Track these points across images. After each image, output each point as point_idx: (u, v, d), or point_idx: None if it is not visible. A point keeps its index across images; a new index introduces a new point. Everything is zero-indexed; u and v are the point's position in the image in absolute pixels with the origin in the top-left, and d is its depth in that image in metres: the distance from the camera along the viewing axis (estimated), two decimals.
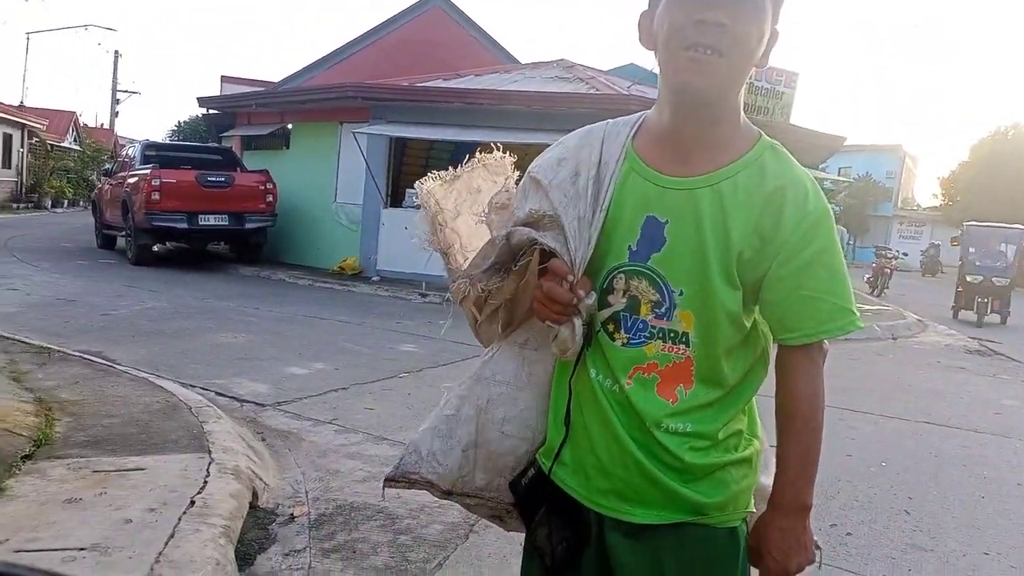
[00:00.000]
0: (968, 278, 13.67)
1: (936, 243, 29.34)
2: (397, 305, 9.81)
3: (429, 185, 1.40)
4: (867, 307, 13.67)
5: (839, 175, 26.89)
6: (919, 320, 12.31)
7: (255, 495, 3.17)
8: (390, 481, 1.37)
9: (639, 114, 1.23)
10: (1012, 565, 3.21)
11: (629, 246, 1.14)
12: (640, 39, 1.17)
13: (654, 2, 1.13)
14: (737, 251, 1.10)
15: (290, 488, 3.43)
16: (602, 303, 1.17)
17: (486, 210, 1.32)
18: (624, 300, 1.15)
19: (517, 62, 17.66)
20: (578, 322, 1.13)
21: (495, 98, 11.51)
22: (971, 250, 14.38)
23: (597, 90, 11.89)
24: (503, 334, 1.36)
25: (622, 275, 1.15)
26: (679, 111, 1.12)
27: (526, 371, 1.30)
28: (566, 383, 1.21)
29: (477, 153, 1.46)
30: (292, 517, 3.12)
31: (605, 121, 1.25)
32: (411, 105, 12.07)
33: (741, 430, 1.20)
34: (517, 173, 1.42)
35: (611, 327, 1.17)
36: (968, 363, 8.85)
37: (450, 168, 1.45)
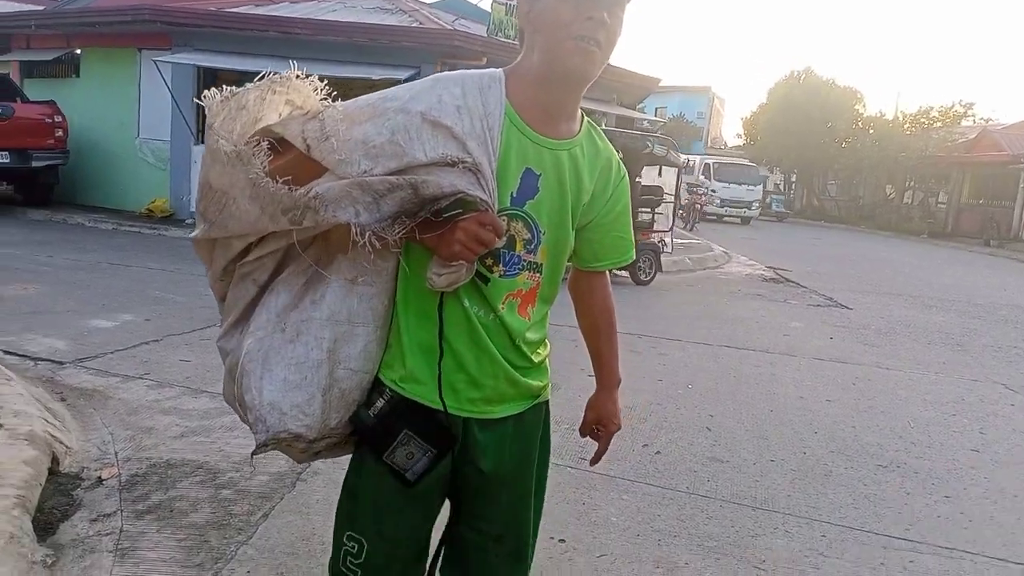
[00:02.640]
0: None
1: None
2: None
3: (209, 95, 1.32)
4: (679, 240, 14.66)
5: (655, 115, 28.22)
6: (725, 252, 13.38)
7: (55, 460, 2.92)
8: (262, 447, 1.35)
9: (497, 71, 1.35)
10: (792, 469, 3.64)
11: (511, 193, 1.32)
12: (519, 19, 1.36)
13: None
14: (583, 202, 1.40)
15: (97, 450, 3.20)
16: None
17: (306, 141, 1.24)
18: (504, 239, 1.31)
19: None
20: (475, 261, 1.28)
21: (314, 28, 10.92)
22: None
23: (420, 23, 11.60)
24: (288, 272, 1.37)
25: (504, 218, 1.31)
26: (558, 86, 1.32)
27: (365, 306, 1.35)
28: (431, 312, 1.34)
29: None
30: (100, 480, 2.92)
31: (462, 72, 1.34)
32: (220, 32, 11.18)
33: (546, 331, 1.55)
34: (327, 100, 1.34)
35: (489, 261, 1.34)
36: (764, 290, 9.78)
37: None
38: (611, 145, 1.46)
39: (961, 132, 29.37)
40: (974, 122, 30.77)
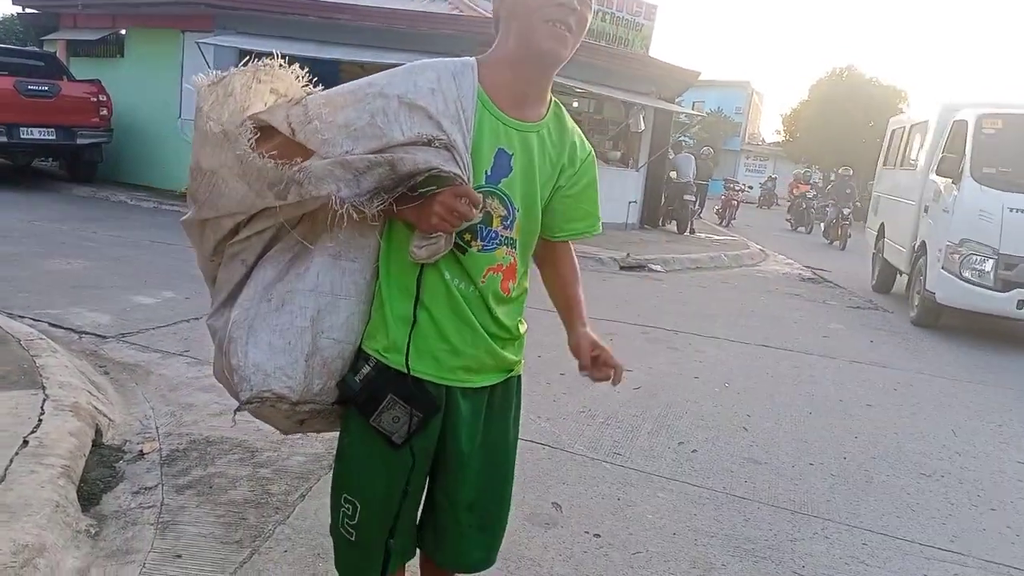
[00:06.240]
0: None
1: (773, 177, 31.33)
2: None
3: (197, 80, 1.43)
4: (716, 237, 14.51)
5: (693, 109, 27.91)
6: (761, 250, 13.19)
7: (98, 432, 2.97)
8: (246, 404, 1.44)
9: (470, 59, 1.43)
10: (832, 474, 3.57)
11: (485, 171, 1.40)
12: (494, 7, 1.44)
13: None
14: (553, 181, 1.50)
15: (138, 424, 3.24)
16: None
17: (291, 125, 1.33)
18: (480, 215, 1.39)
19: None
20: (454, 232, 1.36)
21: (354, 14, 10.92)
22: None
23: (461, 11, 11.55)
24: (275, 250, 1.47)
25: (481, 193, 1.38)
26: (532, 69, 1.41)
27: (348, 280, 1.43)
28: (409, 285, 1.41)
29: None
30: (142, 454, 2.96)
31: (435, 60, 1.42)
32: (262, 16, 11.25)
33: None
34: (308, 87, 1.46)
35: (468, 237, 1.41)
36: (802, 290, 9.62)
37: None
38: (575, 125, 1.55)
39: None
40: None
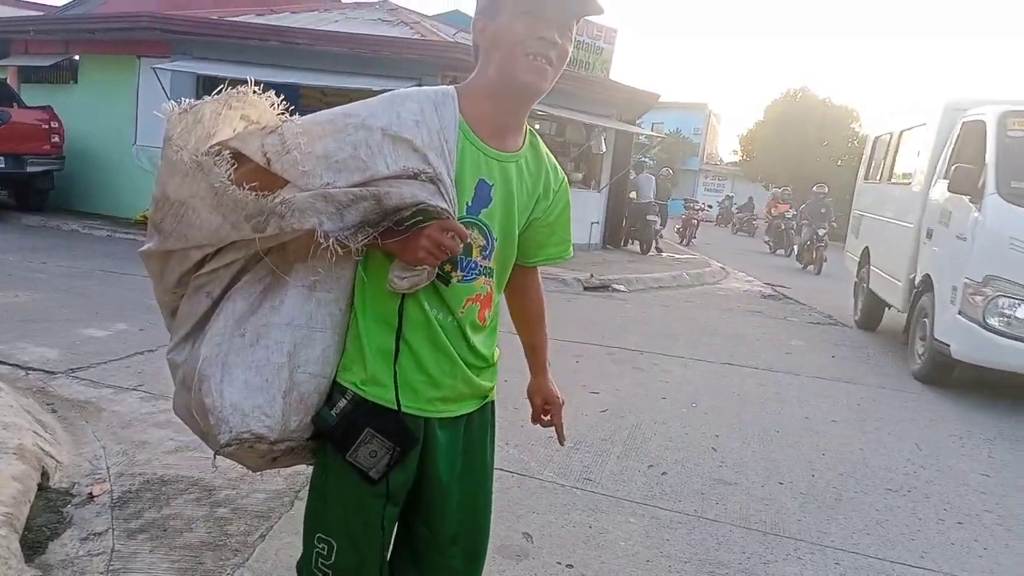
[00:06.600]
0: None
1: (731, 195, 31.97)
2: None
3: (167, 108, 1.37)
4: (677, 256, 14.63)
5: (652, 130, 28.26)
6: (722, 267, 13.33)
7: (45, 475, 2.83)
8: (225, 447, 1.36)
9: (449, 88, 1.41)
10: (802, 492, 3.56)
11: (467, 202, 1.38)
12: (474, 37, 1.42)
13: (489, 11, 1.37)
14: (529, 211, 1.50)
15: (88, 464, 3.10)
16: None
17: (266, 155, 1.29)
18: (461, 246, 1.36)
19: (338, 0, 16.82)
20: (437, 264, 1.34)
21: (315, 38, 10.86)
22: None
23: (422, 36, 11.57)
24: (244, 281, 1.41)
25: (465, 229, 1.36)
26: (512, 100, 1.40)
27: (323, 311, 1.39)
28: (390, 316, 1.38)
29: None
30: (91, 496, 2.82)
31: (417, 89, 1.40)
32: (219, 41, 11.13)
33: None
34: (284, 116, 1.41)
35: (448, 268, 1.40)
36: (763, 307, 9.71)
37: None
38: (548, 152, 1.55)
39: None
40: None
